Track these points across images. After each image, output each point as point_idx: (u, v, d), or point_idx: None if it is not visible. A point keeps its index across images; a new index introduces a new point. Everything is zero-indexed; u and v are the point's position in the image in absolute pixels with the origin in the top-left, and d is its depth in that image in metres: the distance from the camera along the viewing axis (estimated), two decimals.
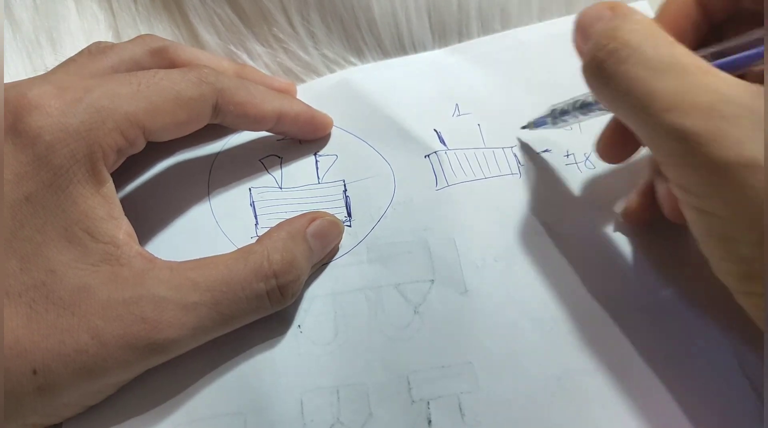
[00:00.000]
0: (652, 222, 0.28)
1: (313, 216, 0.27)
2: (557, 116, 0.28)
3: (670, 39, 0.21)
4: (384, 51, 0.34)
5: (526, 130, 0.31)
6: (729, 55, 0.21)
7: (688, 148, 0.19)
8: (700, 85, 0.20)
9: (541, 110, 0.30)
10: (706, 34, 0.26)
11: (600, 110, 0.26)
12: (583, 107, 0.27)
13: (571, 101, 0.27)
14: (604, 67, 0.21)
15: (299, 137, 0.31)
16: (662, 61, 0.20)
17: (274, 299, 0.25)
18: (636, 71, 0.20)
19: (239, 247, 0.25)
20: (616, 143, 0.27)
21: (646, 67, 0.20)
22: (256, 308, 0.25)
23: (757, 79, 0.20)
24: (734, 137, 0.19)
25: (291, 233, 0.26)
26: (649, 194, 0.27)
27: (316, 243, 0.26)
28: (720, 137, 0.19)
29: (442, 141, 0.31)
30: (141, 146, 0.25)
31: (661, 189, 0.26)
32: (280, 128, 0.30)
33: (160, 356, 0.23)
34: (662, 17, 0.26)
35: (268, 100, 0.28)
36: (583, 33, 0.23)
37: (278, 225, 0.26)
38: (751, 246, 0.19)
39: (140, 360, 0.23)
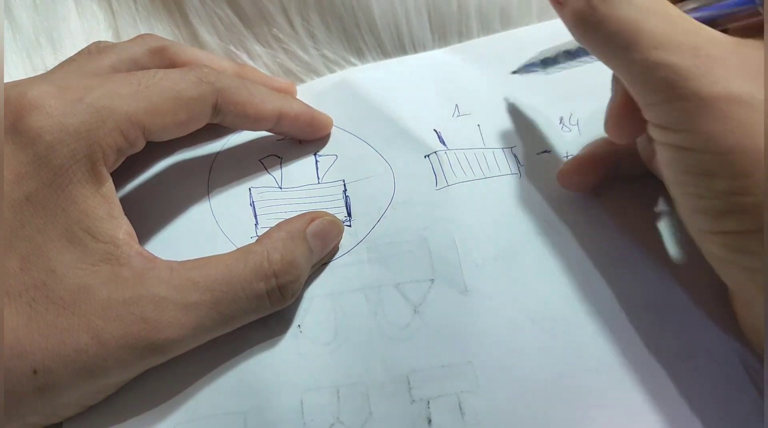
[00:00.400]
0: (584, 189, 0.29)
1: (312, 216, 0.27)
2: (548, 63, 0.29)
3: None
4: (384, 51, 0.34)
5: (516, 74, 0.32)
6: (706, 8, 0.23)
7: (674, 82, 0.21)
8: (686, 28, 0.21)
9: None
10: None
11: (587, 56, 0.27)
12: (569, 54, 0.28)
13: (559, 50, 0.28)
14: (596, 11, 0.22)
15: (299, 137, 0.31)
16: (650, 5, 0.22)
17: (274, 299, 0.25)
18: (626, 13, 0.22)
19: (239, 247, 0.25)
20: (626, 118, 0.26)
21: (635, 9, 0.22)
22: (256, 307, 0.25)
23: (736, 35, 0.22)
24: (720, 74, 0.20)
25: (291, 233, 0.26)
26: (587, 162, 0.29)
27: (315, 243, 0.26)
28: (706, 73, 0.20)
29: (442, 141, 0.31)
30: (141, 145, 0.25)
31: (609, 105, 0.26)
32: (280, 128, 0.29)
33: (160, 356, 0.23)
34: None
35: (268, 100, 0.28)
36: None
37: (278, 225, 0.26)
38: (728, 179, 0.20)
39: (140, 360, 0.23)
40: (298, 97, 0.32)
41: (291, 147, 0.31)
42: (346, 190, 0.30)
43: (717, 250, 0.22)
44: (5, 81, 0.25)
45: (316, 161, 0.31)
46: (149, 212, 0.29)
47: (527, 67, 0.30)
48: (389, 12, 0.34)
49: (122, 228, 0.24)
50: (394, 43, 0.34)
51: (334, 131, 0.32)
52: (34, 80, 0.24)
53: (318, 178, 0.30)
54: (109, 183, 0.24)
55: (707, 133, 0.20)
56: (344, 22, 0.34)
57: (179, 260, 0.24)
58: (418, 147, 0.31)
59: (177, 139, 0.27)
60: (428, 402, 0.25)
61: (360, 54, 0.34)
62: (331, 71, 0.34)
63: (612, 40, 0.22)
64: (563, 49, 0.28)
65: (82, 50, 0.28)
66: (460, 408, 0.24)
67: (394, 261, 0.28)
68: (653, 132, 0.23)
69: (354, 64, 0.34)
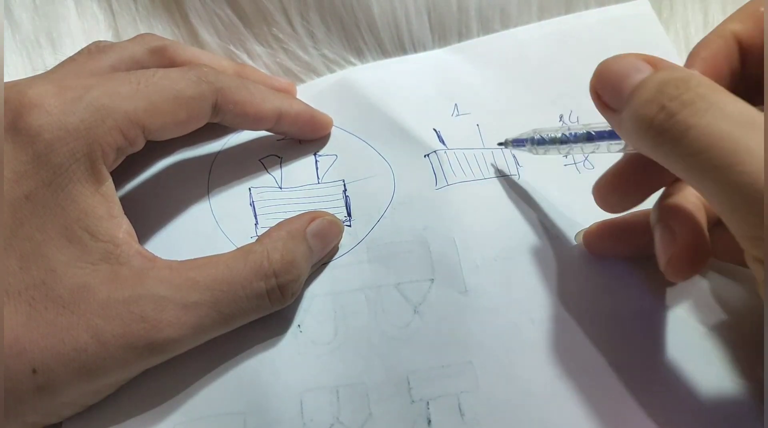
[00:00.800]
0: (611, 256, 0.27)
1: (312, 216, 0.27)
2: (536, 142, 0.27)
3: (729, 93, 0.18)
4: (384, 51, 0.34)
5: (502, 146, 0.29)
6: None
7: None
8: None
9: (523, 129, 0.28)
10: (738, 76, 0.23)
11: (578, 146, 0.25)
12: (563, 143, 0.25)
13: (554, 134, 0.26)
14: (677, 121, 0.18)
15: (299, 137, 0.31)
16: (745, 116, 0.17)
17: (274, 299, 0.25)
18: (720, 126, 0.17)
19: (239, 246, 0.25)
20: (620, 191, 0.25)
21: (730, 121, 0.17)
22: (256, 307, 0.25)
23: None
24: None
25: (291, 233, 0.26)
26: (620, 228, 0.26)
27: (315, 243, 0.26)
28: None
29: (442, 141, 0.31)
30: (141, 145, 0.25)
31: (664, 239, 0.23)
32: (279, 127, 0.29)
33: (160, 355, 0.23)
34: (701, 59, 0.23)
35: (268, 100, 0.28)
36: (612, 85, 0.20)
37: (278, 225, 0.26)
38: None
39: (140, 359, 0.23)
40: (298, 97, 0.32)
41: (291, 147, 0.31)
42: (346, 190, 0.30)
43: None
44: (5, 81, 0.25)
45: (316, 161, 0.31)
46: (149, 212, 0.29)
47: (516, 143, 0.28)
48: (389, 12, 0.34)
49: (122, 227, 0.24)
50: (394, 43, 0.34)
51: (334, 130, 0.32)
52: (33, 80, 0.24)
53: (318, 178, 0.30)
54: (109, 182, 0.24)
55: None
56: (344, 21, 0.34)
57: (179, 259, 0.24)
58: (418, 146, 0.31)
59: (177, 138, 0.27)
60: (428, 402, 0.25)
61: (360, 54, 0.34)
62: (331, 71, 0.34)
63: (701, 157, 0.17)
64: (557, 135, 0.26)
65: (81, 50, 0.28)
66: (460, 408, 0.24)
67: (393, 261, 0.28)
68: (748, 246, 0.18)
69: (354, 64, 0.34)
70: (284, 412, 0.24)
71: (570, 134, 0.25)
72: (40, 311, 0.22)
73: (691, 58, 0.23)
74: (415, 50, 0.34)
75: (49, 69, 0.28)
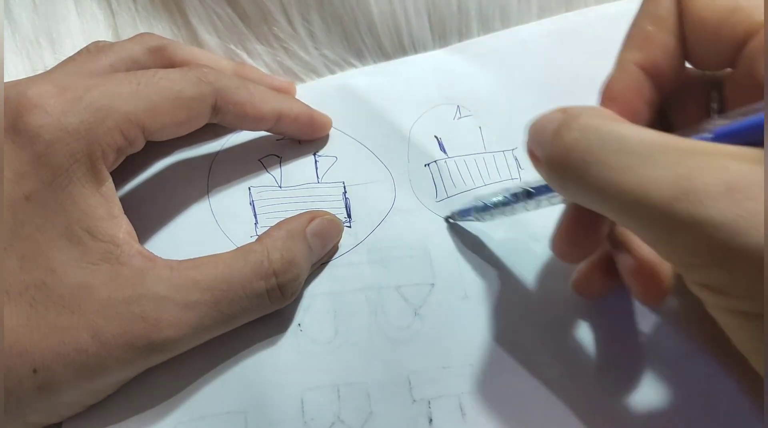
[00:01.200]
0: (606, 294, 0.26)
1: (312, 215, 0.27)
2: (480, 210, 0.27)
3: (632, 124, 0.18)
4: (384, 52, 0.34)
5: (450, 219, 0.29)
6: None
7: (717, 242, 0.15)
8: (703, 164, 0.16)
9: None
10: (656, 113, 0.23)
11: (521, 205, 0.25)
12: (505, 205, 0.25)
13: (495, 199, 0.26)
14: (572, 159, 0.18)
15: (298, 137, 0.31)
16: (648, 145, 0.17)
17: (274, 298, 0.25)
18: (618, 160, 0.17)
19: (239, 246, 0.25)
20: (572, 241, 0.24)
21: (629, 154, 0.17)
22: (257, 306, 0.25)
23: None
24: (760, 210, 0.15)
25: (290, 232, 0.26)
26: (602, 266, 0.25)
27: (315, 242, 0.26)
28: (758, 223, 0.15)
29: (443, 149, 0.31)
30: (140, 145, 0.25)
31: (625, 266, 0.23)
32: (279, 128, 0.29)
33: (160, 355, 0.23)
34: (612, 100, 0.22)
35: (268, 100, 0.28)
36: (537, 140, 0.20)
37: (278, 224, 0.26)
38: None
39: (140, 359, 0.23)
40: (297, 97, 0.32)
41: (290, 147, 0.31)
42: (346, 192, 0.30)
43: None
44: (5, 81, 0.25)
45: (316, 161, 0.31)
46: (149, 212, 0.28)
47: (462, 213, 0.28)
48: (389, 13, 0.34)
49: (122, 227, 0.24)
50: (394, 44, 0.34)
51: (334, 133, 0.32)
52: (33, 80, 0.24)
53: (317, 178, 0.30)
54: (109, 182, 0.24)
55: None
56: (344, 22, 0.34)
57: (179, 259, 0.24)
58: (419, 155, 0.31)
59: (176, 138, 0.27)
60: (429, 402, 0.25)
61: (360, 55, 0.34)
62: (331, 71, 0.34)
63: (607, 195, 0.17)
64: (497, 199, 0.26)
65: (81, 50, 0.28)
66: (461, 408, 0.24)
67: (394, 264, 0.28)
68: (702, 294, 0.17)
69: (354, 65, 0.34)
70: (285, 411, 0.24)
71: (510, 195, 0.25)
72: (41, 311, 0.22)
73: (603, 99, 0.23)
74: (416, 51, 0.34)
75: (48, 69, 0.28)
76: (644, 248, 0.23)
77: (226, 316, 0.24)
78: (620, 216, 0.17)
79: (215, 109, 0.27)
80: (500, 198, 0.26)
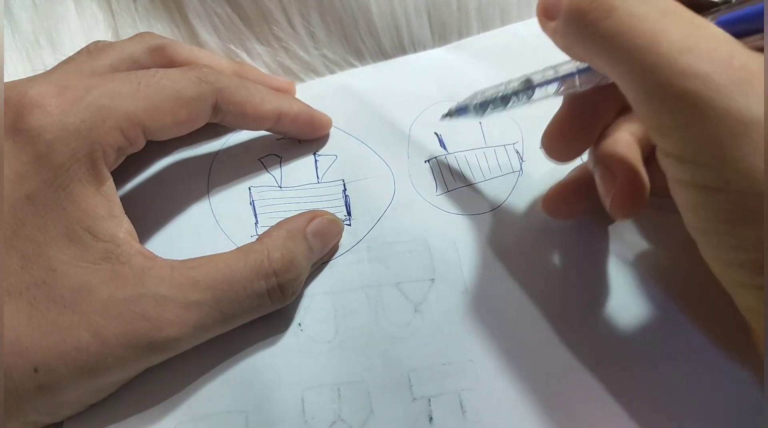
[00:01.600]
0: (572, 217, 0.28)
1: (312, 215, 0.27)
2: (478, 107, 0.27)
3: None
4: (384, 52, 0.34)
5: (447, 118, 0.29)
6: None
7: (705, 98, 0.16)
8: (713, 34, 0.17)
9: (463, 96, 0.29)
10: None
11: (519, 99, 0.25)
12: (504, 99, 0.26)
13: (494, 93, 0.26)
14: (598, 6, 0.18)
15: (298, 137, 0.31)
16: (672, 5, 0.18)
17: (275, 298, 0.25)
18: (642, 9, 0.18)
19: (239, 246, 0.25)
20: (565, 138, 0.25)
21: (649, 4, 0.18)
22: (257, 306, 0.25)
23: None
24: (760, 92, 0.16)
25: (291, 232, 0.26)
26: (572, 187, 0.27)
27: (315, 242, 0.26)
28: (746, 90, 0.16)
29: (443, 145, 0.31)
30: (141, 144, 0.25)
31: (605, 176, 0.24)
32: (279, 127, 0.30)
33: (161, 354, 0.23)
34: None
35: (268, 100, 0.28)
36: (551, 4, 0.21)
37: (278, 224, 0.26)
38: None
39: (141, 358, 0.23)
40: (297, 96, 0.32)
41: (290, 146, 0.31)
42: (345, 189, 0.30)
43: (755, 303, 0.19)
44: (5, 81, 0.25)
45: (316, 161, 0.31)
46: (149, 212, 0.29)
47: (459, 111, 0.29)
48: (388, 12, 0.34)
49: (123, 227, 0.24)
50: (394, 44, 0.34)
51: (333, 131, 0.32)
52: (34, 80, 0.24)
53: (317, 177, 0.30)
54: (110, 182, 0.24)
55: (748, 168, 0.16)
56: (343, 23, 0.34)
57: (180, 259, 0.24)
58: (419, 151, 0.31)
59: (177, 138, 0.27)
60: (429, 399, 0.25)
61: (360, 55, 0.34)
62: (331, 71, 0.34)
63: (621, 39, 0.18)
64: (498, 94, 0.26)
65: (81, 50, 0.28)
66: (461, 405, 0.24)
67: (394, 261, 0.28)
68: (669, 166, 0.19)
69: (354, 65, 0.34)
70: (286, 410, 0.24)
71: (508, 88, 0.25)
72: (42, 310, 0.22)
73: None
74: (415, 51, 0.34)
75: (48, 69, 0.28)
76: (624, 162, 0.23)
77: (226, 316, 0.24)
78: (624, 65, 0.18)
79: (215, 108, 0.27)
80: (498, 92, 0.26)
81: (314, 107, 0.31)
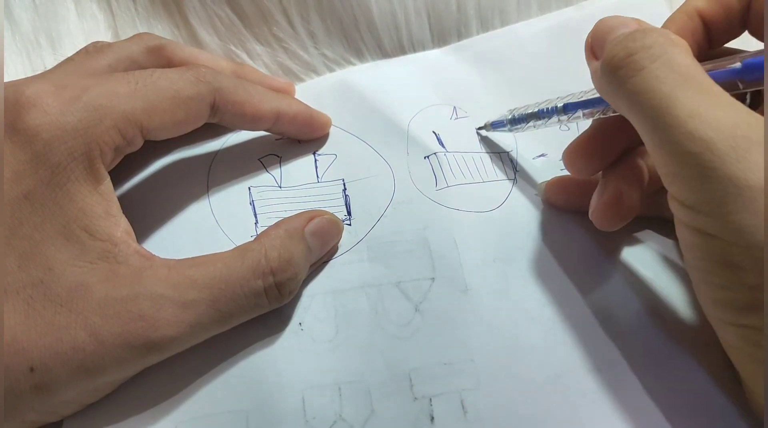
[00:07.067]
0: (568, 208, 0.29)
1: (311, 215, 0.27)
2: (515, 121, 0.29)
3: (692, 54, 0.21)
4: (383, 52, 0.34)
5: (482, 130, 0.31)
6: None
7: (708, 161, 0.19)
8: (723, 101, 0.19)
9: (501, 111, 0.30)
10: (704, 52, 0.26)
11: (554, 118, 0.27)
12: (539, 116, 0.28)
13: (530, 110, 0.28)
14: (629, 63, 0.21)
15: (298, 137, 0.31)
16: (688, 69, 0.20)
17: (272, 297, 0.25)
18: (663, 72, 0.20)
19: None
20: (586, 156, 0.26)
21: (672, 70, 0.20)
22: (254, 305, 0.25)
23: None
24: (757, 160, 0.18)
25: (289, 232, 0.26)
26: (566, 184, 0.28)
27: (314, 241, 0.26)
28: (743, 158, 0.18)
29: (441, 143, 0.31)
30: (139, 144, 0.25)
31: (597, 192, 0.26)
32: (278, 127, 0.30)
33: (158, 353, 0.23)
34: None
35: (266, 100, 0.28)
36: (601, 36, 0.23)
37: (276, 223, 0.26)
38: (755, 274, 0.19)
39: (138, 357, 0.23)
40: (297, 96, 0.32)
41: (290, 146, 0.31)
42: (345, 189, 0.30)
43: (735, 341, 0.21)
44: (5, 81, 0.25)
45: (315, 160, 0.31)
46: (149, 211, 0.28)
47: (495, 125, 0.30)
48: (388, 12, 0.34)
49: (120, 226, 0.24)
50: (393, 43, 0.34)
51: (333, 130, 0.32)
52: (31, 79, 0.24)
53: (317, 177, 0.30)
54: (107, 181, 0.24)
55: (738, 224, 0.18)
56: (343, 22, 0.34)
57: (178, 258, 0.24)
58: (418, 148, 0.31)
59: (176, 138, 0.27)
60: (430, 399, 0.25)
61: (359, 54, 0.34)
62: (331, 71, 0.34)
63: (643, 97, 0.20)
64: (531, 110, 0.28)
65: (80, 50, 0.28)
66: (462, 405, 0.24)
67: (394, 260, 0.28)
68: (674, 208, 0.21)
69: (353, 64, 0.34)
70: (287, 410, 0.24)
71: (543, 109, 0.28)
72: (38, 309, 0.22)
73: (664, 24, 0.25)
74: (415, 51, 0.34)
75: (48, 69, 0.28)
76: (619, 181, 0.26)
77: (224, 315, 0.24)
78: (643, 119, 0.21)
79: (214, 108, 0.27)
80: (534, 110, 0.28)
81: (314, 106, 0.31)
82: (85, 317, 0.22)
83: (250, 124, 0.29)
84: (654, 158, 0.21)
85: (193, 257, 0.24)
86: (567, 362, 0.25)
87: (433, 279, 0.27)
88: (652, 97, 0.20)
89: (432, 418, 0.24)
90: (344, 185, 0.30)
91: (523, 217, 0.29)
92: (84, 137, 0.23)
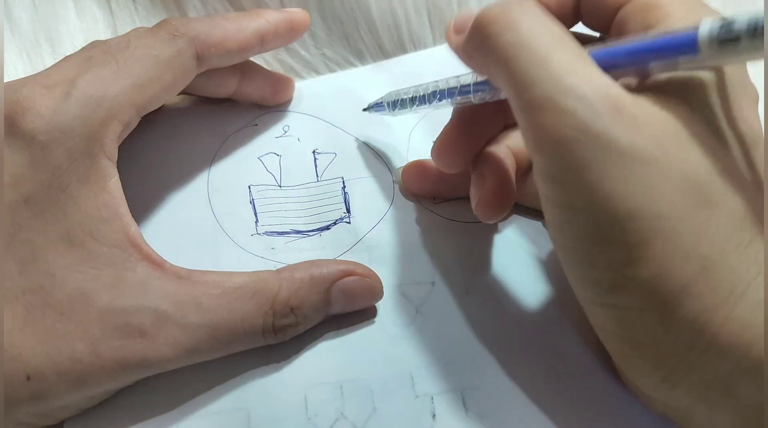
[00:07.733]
0: (422, 193, 0.29)
1: (350, 270, 0.25)
2: (393, 106, 0.29)
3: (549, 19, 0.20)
4: (384, 51, 0.34)
5: (366, 112, 0.31)
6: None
7: (580, 118, 0.18)
8: (593, 64, 0.19)
9: (381, 93, 0.30)
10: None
11: (432, 103, 0.26)
12: (417, 101, 0.27)
13: (410, 94, 0.27)
14: (503, 19, 0.20)
15: (280, 45, 0.30)
16: (561, 29, 0.20)
17: (268, 336, 0.24)
18: (541, 30, 0.19)
19: (242, 247, 0.25)
20: (452, 149, 0.26)
21: (547, 28, 0.19)
22: (252, 340, 0.24)
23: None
24: (628, 123, 0.18)
25: (314, 279, 0.25)
26: (426, 166, 0.28)
27: (340, 299, 0.25)
28: (618, 119, 0.18)
29: None
30: (135, 123, 0.25)
31: (476, 181, 0.26)
32: (266, 47, 0.28)
33: (150, 371, 0.23)
34: None
35: (245, 26, 0.27)
36: (464, 18, 0.22)
37: (310, 263, 0.25)
38: (623, 249, 0.18)
39: (131, 374, 0.22)
40: (296, 94, 0.32)
41: (290, 145, 0.31)
42: (345, 186, 0.30)
43: (605, 322, 0.20)
44: (5, 81, 0.25)
45: (315, 159, 0.31)
46: (149, 211, 0.28)
47: (376, 107, 0.30)
48: (388, 12, 0.34)
49: (129, 229, 0.23)
50: (394, 43, 0.34)
51: (332, 130, 0.32)
52: (24, 81, 0.24)
53: (317, 175, 0.30)
54: (115, 179, 0.24)
55: (605, 192, 0.18)
56: (344, 22, 0.34)
57: (180, 258, 0.24)
58: (418, 153, 0.31)
59: (176, 137, 0.26)
60: (432, 397, 0.25)
61: (360, 54, 0.34)
62: (331, 70, 0.34)
63: (517, 51, 0.19)
64: (411, 95, 0.27)
65: (79, 50, 0.28)
66: (464, 403, 0.24)
67: (395, 262, 0.28)
68: (540, 183, 0.20)
69: (354, 64, 0.34)
70: (289, 408, 0.24)
71: (419, 94, 0.27)
72: (38, 316, 0.21)
73: None
74: (415, 49, 0.34)
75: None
76: (494, 169, 0.25)
77: (221, 344, 0.23)
78: (516, 76, 0.19)
79: (199, 58, 0.26)
80: (410, 95, 0.27)
81: (314, 105, 0.31)
82: (85, 328, 0.21)
83: (239, 56, 0.28)
84: (521, 125, 0.20)
85: (205, 272, 0.24)
86: (568, 361, 0.25)
87: (433, 283, 0.27)
88: (528, 51, 0.19)
89: (434, 416, 0.24)
90: (343, 182, 0.30)
91: (522, 220, 0.29)
92: (82, 135, 0.23)
